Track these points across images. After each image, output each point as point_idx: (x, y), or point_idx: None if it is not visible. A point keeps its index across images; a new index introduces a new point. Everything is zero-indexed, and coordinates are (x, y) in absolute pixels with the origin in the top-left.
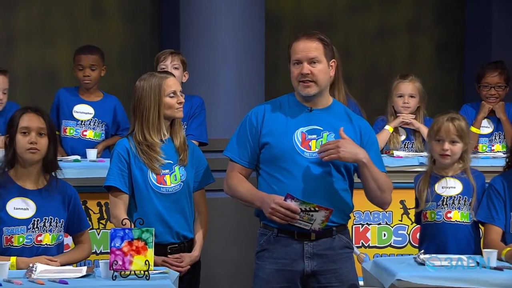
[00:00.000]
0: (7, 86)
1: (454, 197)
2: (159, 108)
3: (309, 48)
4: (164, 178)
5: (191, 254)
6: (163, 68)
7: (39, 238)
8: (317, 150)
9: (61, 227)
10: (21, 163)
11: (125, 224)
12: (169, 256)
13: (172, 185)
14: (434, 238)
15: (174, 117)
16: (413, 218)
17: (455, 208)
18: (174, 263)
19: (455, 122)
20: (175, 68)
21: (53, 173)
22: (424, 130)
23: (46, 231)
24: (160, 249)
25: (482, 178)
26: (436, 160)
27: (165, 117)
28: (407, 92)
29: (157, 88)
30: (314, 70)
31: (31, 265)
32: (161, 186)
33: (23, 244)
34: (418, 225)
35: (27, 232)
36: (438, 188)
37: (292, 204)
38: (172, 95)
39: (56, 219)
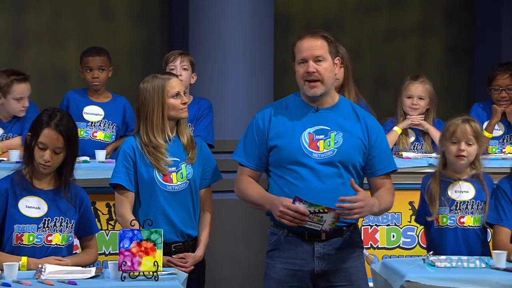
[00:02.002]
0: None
1: (468, 202)
2: (162, 109)
3: (314, 46)
4: (170, 176)
5: (194, 254)
6: (172, 69)
7: (49, 238)
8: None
9: (71, 228)
10: (35, 164)
11: (134, 225)
12: (173, 256)
13: (178, 183)
14: (447, 242)
15: (179, 117)
16: None
17: (468, 213)
18: (178, 263)
19: (471, 124)
20: (184, 69)
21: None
22: (434, 132)
23: (56, 231)
24: (165, 248)
25: (491, 182)
26: (450, 163)
27: (169, 118)
28: (416, 93)
29: (160, 89)
30: (319, 68)
31: (40, 266)
32: (167, 184)
33: (34, 244)
34: (421, 225)
35: (37, 231)
36: (451, 192)
37: (301, 207)
38: (175, 96)
39: (67, 220)
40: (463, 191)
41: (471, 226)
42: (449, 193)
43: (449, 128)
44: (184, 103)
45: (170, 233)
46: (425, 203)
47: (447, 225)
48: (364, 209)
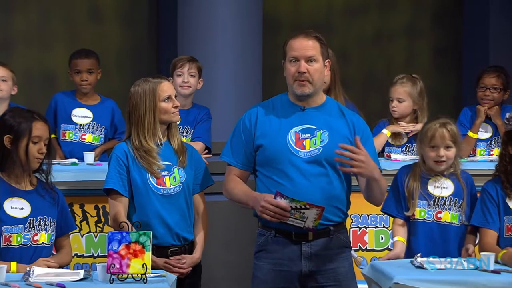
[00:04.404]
0: (4, 74)
1: (446, 198)
2: (154, 113)
3: (307, 46)
4: (164, 179)
5: (192, 256)
6: (180, 75)
7: (35, 238)
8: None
9: (54, 226)
10: (17, 165)
11: (123, 227)
12: (170, 258)
13: (172, 186)
14: (422, 236)
15: (170, 121)
16: None
17: (445, 209)
18: (176, 265)
19: (448, 127)
20: (192, 75)
21: (36, 175)
22: None
23: (41, 230)
24: (161, 252)
25: (470, 179)
26: (429, 166)
27: (161, 122)
28: (394, 96)
29: (152, 93)
30: (310, 69)
31: (28, 268)
32: (161, 187)
33: (21, 244)
34: (386, 214)
35: (24, 231)
36: (430, 187)
37: (282, 202)
38: (167, 99)
39: (50, 219)
40: (443, 187)
41: (449, 222)
42: (429, 188)
43: (427, 133)
44: (176, 107)
45: (166, 236)
46: (396, 193)
47: (424, 219)
48: (364, 164)
